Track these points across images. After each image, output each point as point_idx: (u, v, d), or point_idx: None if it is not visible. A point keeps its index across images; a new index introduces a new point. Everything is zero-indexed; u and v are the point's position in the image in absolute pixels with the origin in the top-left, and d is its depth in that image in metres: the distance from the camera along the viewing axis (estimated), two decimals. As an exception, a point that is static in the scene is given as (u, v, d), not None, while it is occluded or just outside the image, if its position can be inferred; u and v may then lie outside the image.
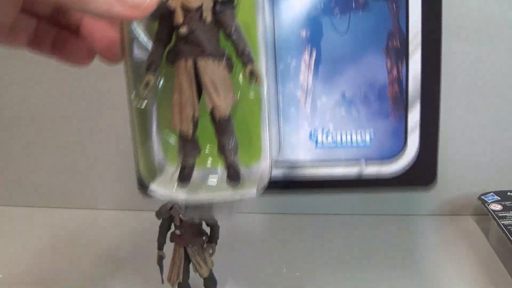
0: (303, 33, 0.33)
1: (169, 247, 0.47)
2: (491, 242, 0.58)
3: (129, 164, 0.63)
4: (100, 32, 0.30)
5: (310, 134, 0.35)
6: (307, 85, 0.34)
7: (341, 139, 0.34)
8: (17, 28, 0.30)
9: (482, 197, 0.59)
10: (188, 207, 0.33)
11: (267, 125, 0.30)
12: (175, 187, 0.30)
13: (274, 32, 0.31)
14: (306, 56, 0.33)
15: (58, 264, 0.55)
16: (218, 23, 0.28)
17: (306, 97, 0.34)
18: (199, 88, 0.28)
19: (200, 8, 0.27)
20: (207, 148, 0.31)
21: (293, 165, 0.34)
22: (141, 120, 0.30)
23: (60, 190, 0.65)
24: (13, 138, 0.62)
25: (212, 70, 0.28)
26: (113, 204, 0.65)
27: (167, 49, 0.29)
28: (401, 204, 0.64)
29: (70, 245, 0.58)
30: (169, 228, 0.46)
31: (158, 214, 0.45)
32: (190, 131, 0.29)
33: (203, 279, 0.48)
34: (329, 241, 0.59)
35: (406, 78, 0.33)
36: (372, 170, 0.34)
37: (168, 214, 0.45)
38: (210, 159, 0.31)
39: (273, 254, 0.56)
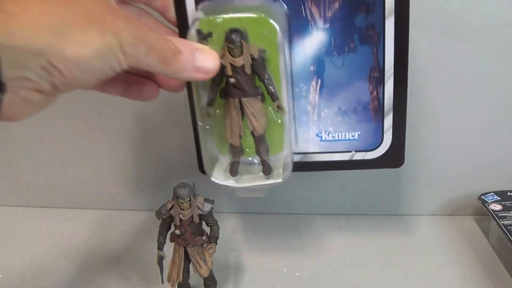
0: (312, 68, 0.46)
1: (169, 247, 0.47)
2: (491, 242, 0.58)
3: (129, 164, 0.63)
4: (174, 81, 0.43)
5: (317, 134, 0.49)
6: (314, 102, 0.48)
7: (338, 136, 0.49)
8: None
9: (482, 197, 0.59)
10: (237, 189, 0.46)
11: (289, 133, 0.45)
12: (227, 177, 0.46)
13: (291, 67, 0.46)
14: (313, 83, 0.47)
15: (58, 264, 0.55)
16: (255, 72, 0.41)
17: (313, 109, 0.48)
18: (243, 113, 0.43)
19: (243, 65, 0.40)
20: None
21: (305, 153, 0.49)
22: (204, 132, 0.45)
23: (60, 190, 0.65)
24: (13, 138, 0.62)
25: (252, 104, 0.42)
26: (113, 204, 0.65)
27: (220, 88, 0.42)
28: (401, 204, 0.64)
29: (70, 245, 0.58)
30: (169, 228, 0.46)
31: (158, 214, 0.45)
32: (238, 143, 0.44)
33: (203, 279, 0.48)
34: (329, 241, 0.59)
35: (382, 97, 0.47)
36: (359, 156, 0.49)
37: (168, 214, 0.45)
38: (251, 155, 0.46)
39: (273, 254, 0.57)
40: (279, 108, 0.43)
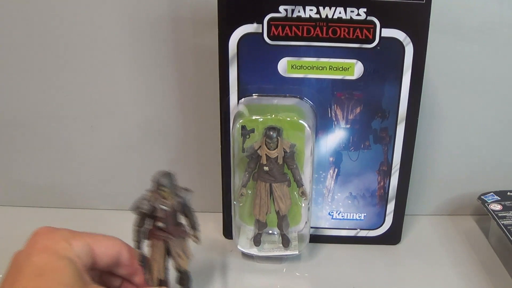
0: (331, 159, 0.54)
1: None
2: (491, 242, 0.58)
3: (129, 164, 0.63)
4: None
5: (329, 212, 0.56)
6: (330, 187, 0.55)
7: (347, 216, 0.56)
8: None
9: (482, 197, 0.59)
10: (257, 257, 0.54)
11: (306, 211, 0.52)
12: (251, 246, 0.53)
13: (314, 157, 0.51)
14: (331, 171, 0.54)
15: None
16: (285, 162, 0.49)
17: (329, 193, 0.55)
18: (271, 195, 0.50)
19: (276, 157, 0.48)
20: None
21: (317, 228, 0.57)
22: (236, 208, 0.53)
23: (60, 190, 0.65)
24: (13, 138, 0.63)
25: (280, 189, 0.50)
26: (113, 204, 0.65)
27: (253, 172, 0.50)
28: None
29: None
30: (144, 224, 0.43)
31: (136, 208, 0.42)
32: (264, 219, 0.52)
33: (179, 273, 0.46)
34: (329, 241, 0.59)
35: (388, 186, 0.54)
36: (363, 233, 0.57)
37: (149, 208, 0.42)
38: (271, 227, 0.54)
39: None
40: (303, 194, 0.50)
